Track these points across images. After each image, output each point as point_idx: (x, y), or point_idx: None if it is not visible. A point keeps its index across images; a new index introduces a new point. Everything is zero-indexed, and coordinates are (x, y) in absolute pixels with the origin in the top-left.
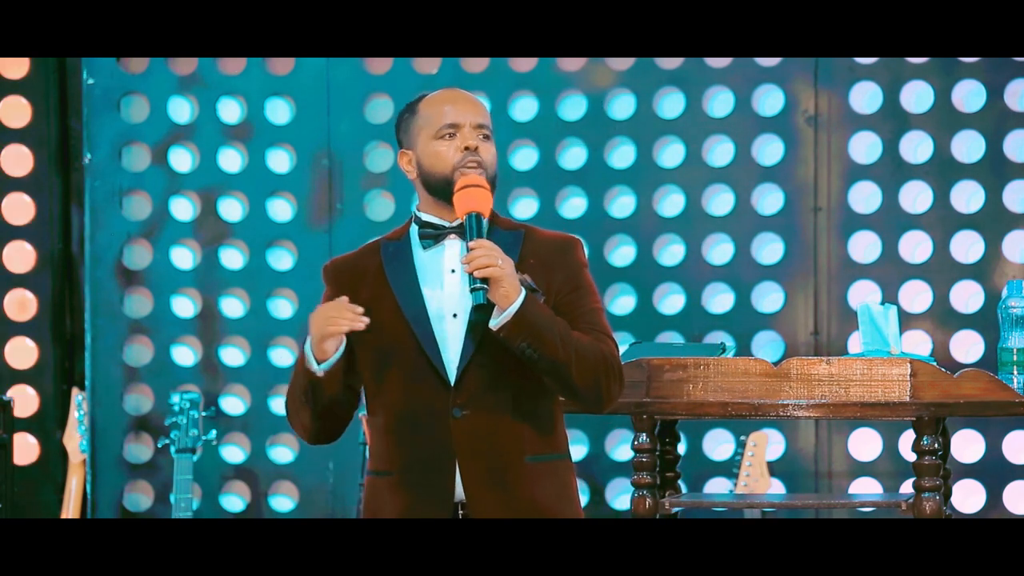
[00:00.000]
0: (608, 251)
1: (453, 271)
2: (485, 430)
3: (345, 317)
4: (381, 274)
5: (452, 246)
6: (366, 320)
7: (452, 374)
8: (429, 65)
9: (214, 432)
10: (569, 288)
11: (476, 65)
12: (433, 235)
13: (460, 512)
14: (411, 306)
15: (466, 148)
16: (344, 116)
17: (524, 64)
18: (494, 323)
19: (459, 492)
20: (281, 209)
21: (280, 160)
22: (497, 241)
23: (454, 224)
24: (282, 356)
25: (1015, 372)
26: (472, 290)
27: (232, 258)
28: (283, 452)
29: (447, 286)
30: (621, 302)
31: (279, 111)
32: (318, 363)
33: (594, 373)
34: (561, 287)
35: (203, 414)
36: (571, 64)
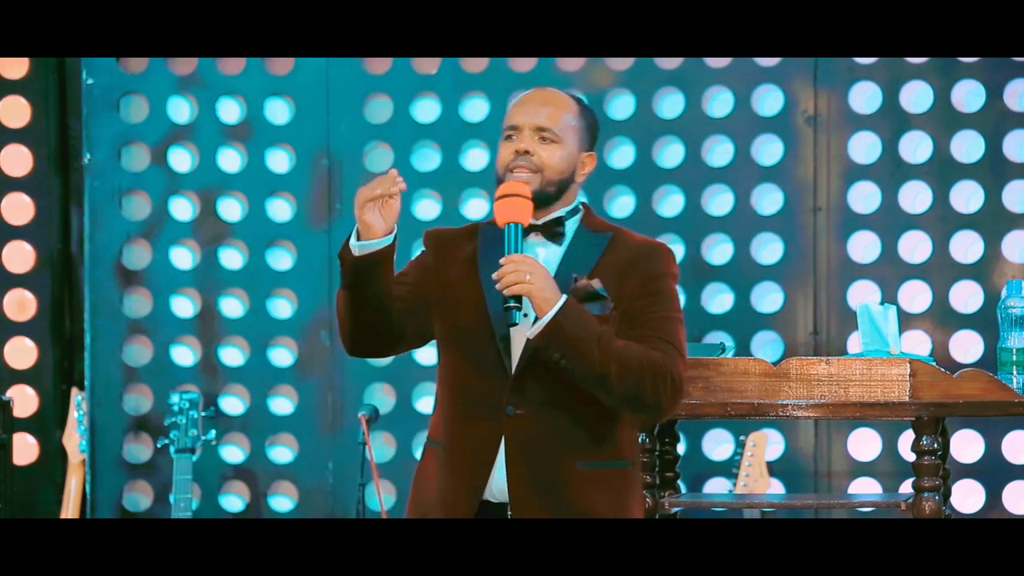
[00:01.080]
0: None
1: None
2: (536, 433)
3: (382, 183)
4: (474, 257)
5: (534, 245)
6: (402, 186)
7: (513, 372)
8: (429, 65)
9: (213, 432)
10: (641, 294)
11: (476, 65)
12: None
13: (508, 513)
14: (493, 296)
15: (516, 151)
16: (343, 116)
17: (524, 64)
18: (529, 333)
19: (493, 490)
20: (280, 209)
21: (279, 160)
22: (582, 243)
23: (538, 223)
24: (282, 356)
25: (1014, 372)
26: (505, 309)
27: (231, 258)
28: (282, 452)
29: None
30: None
31: (278, 111)
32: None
33: (637, 382)
34: (632, 293)
35: (202, 414)
36: (570, 64)
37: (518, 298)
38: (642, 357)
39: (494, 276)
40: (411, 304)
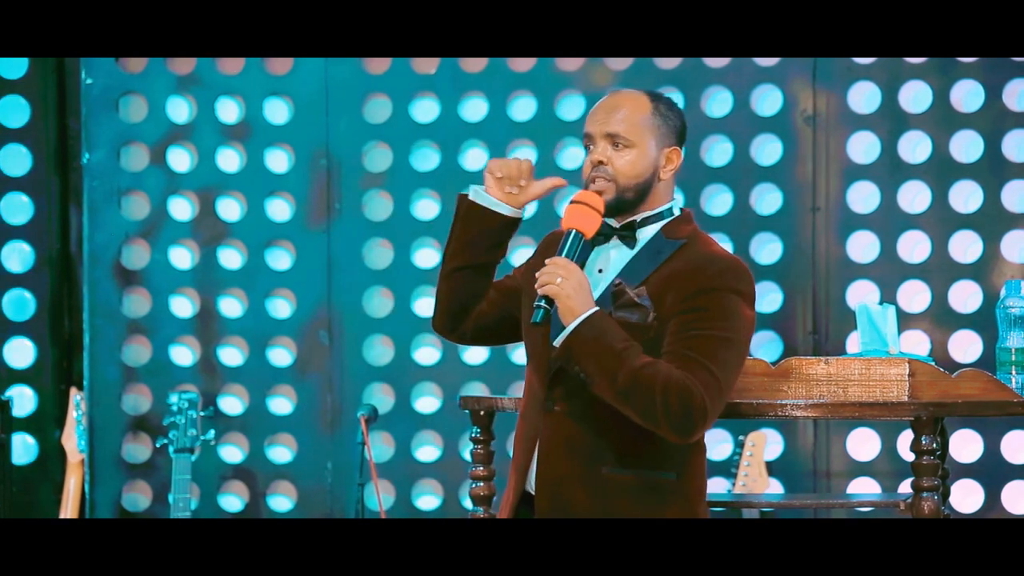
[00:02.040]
0: None
1: (600, 271)
2: (569, 430)
3: (507, 164)
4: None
5: (609, 248)
6: (564, 182)
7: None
8: (428, 65)
9: (212, 432)
10: (684, 308)
11: (475, 65)
12: (602, 233)
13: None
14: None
15: (591, 162)
16: (343, 116)
17: (523, 64)
18: (556, 341)
19: (533, 483)
20: (280, 209)
21: (279, 160)
22: (652, 250)
23: (616, 227)
24: (281, 356)
25: (1013, 372)
26: (534, 307)
27: (230, 258)
28: (282, 452)
29: (593, 284)
30: None
31: (277, 111)
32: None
33: (650, 402)
34: (673, 305)
35: (201, 414)
36: (570, 64)
37: (550, 300)
38: (663, 376)
39: (536, 275)
40: (505, 297)
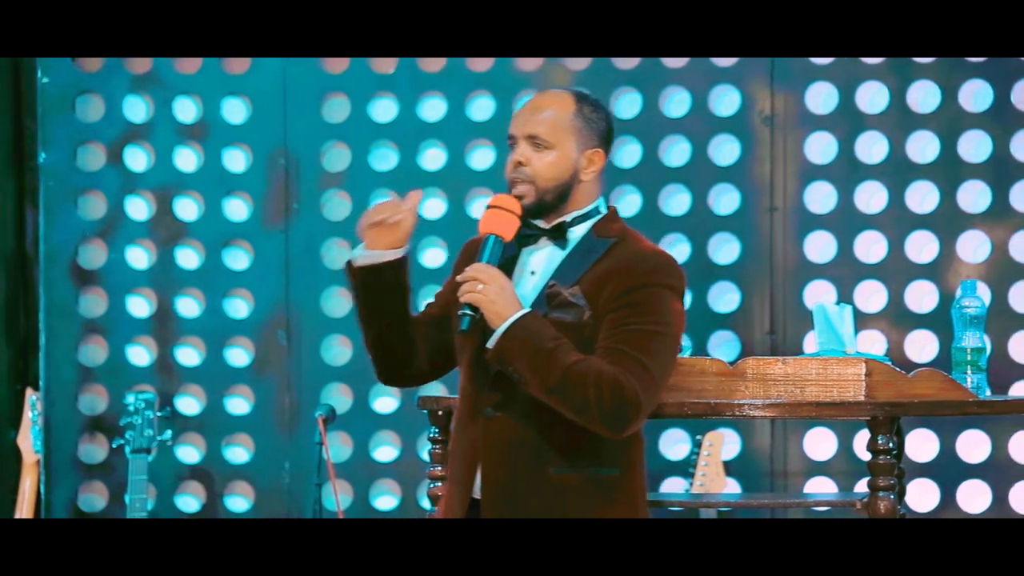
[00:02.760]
0: None
1: (533, 273)
2: (510, 435)
3: (384, 210)
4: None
5: (540, 249)
6: (407, 210)
7: (491, 376)
8: (386, 65)
9: (169, 432)
10: (618, 304)
11: (433, 65)
12: (525, 236)
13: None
14: None
15: (511, 163)
16: (301, 115)
17: (481, 64)
18: (488, 345)
19: (478, 490)
20: (237, 208)
21: (236, 159)
22: (584, 249)
23: (546, 228)
24: (238, 356)
25: (969, 372)
26: (459, 315)
27: (188, 257)
28: (239, 452)
29: (521, 287)
30: None
31: (235, 110)
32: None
33: (583, 398)
34: (608, 300)
35: (158, 414)
36: (529, 64)
37: (475, 307)
38: (594, 372)
39: (458, 279)
40: (436, 328)
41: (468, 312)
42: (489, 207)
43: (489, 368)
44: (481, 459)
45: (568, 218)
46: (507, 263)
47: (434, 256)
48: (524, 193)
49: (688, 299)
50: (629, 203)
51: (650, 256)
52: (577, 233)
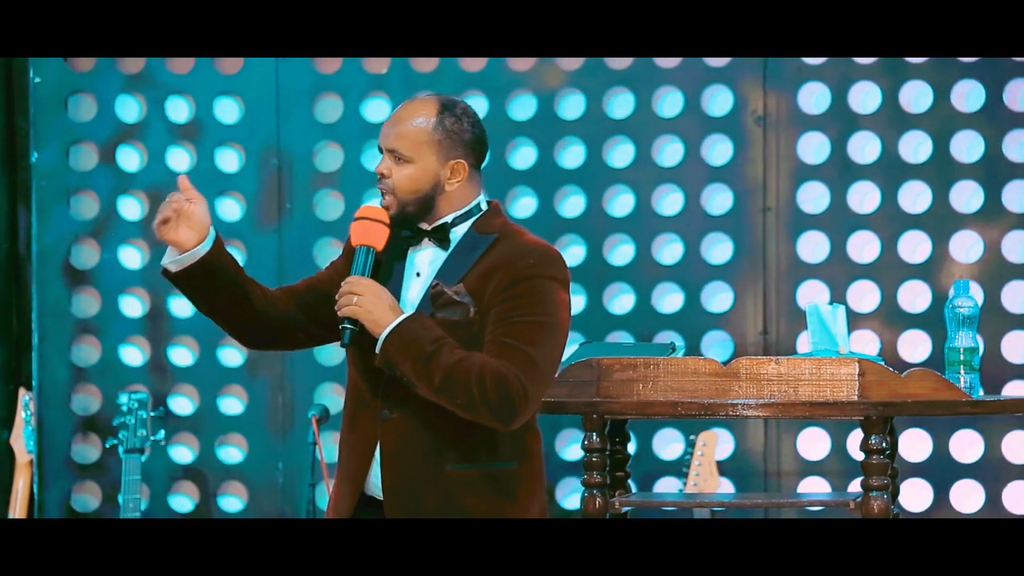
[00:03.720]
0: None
1: (418, 275)
2: (408, 435)
3: (163, 208)
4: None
5: (423, 250)
6: (186, 197)
7: (385, 378)
8: (379, 64)
9: (162, 432)
10: (502, 298)
11: (426, 65)
12: (408, 238)
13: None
14: None
15: (377, 174)
16: (293, 115)
17: (474, 64)
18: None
19: (372, 487)
20: (230, 208)
21: (229, 159)
22: (466, 247)
23: (427, 229)
24: (231, 356)
25: (962, 371)
26: (340, 329)
27: None
28: (232, 452)
29: (408, 289)
30: (572, 301)
31: (228, 110)
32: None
33: (468, 395)
34: (492, 296)
35: (151, 414)
36: (521, 64)
37: (355, 319)
38: (477, 367)
39: (336, 296)
40: (308, 297)
41: (348, 326)
42: (356, 218)
43: (380, 375)
44: (381, 460)
45: (448, 219)
46: (387, 269)
47: None
48: (388, 204)
49: (681, 299)
50: (622, 203)
51: (532, 249)
52: (459, 232)
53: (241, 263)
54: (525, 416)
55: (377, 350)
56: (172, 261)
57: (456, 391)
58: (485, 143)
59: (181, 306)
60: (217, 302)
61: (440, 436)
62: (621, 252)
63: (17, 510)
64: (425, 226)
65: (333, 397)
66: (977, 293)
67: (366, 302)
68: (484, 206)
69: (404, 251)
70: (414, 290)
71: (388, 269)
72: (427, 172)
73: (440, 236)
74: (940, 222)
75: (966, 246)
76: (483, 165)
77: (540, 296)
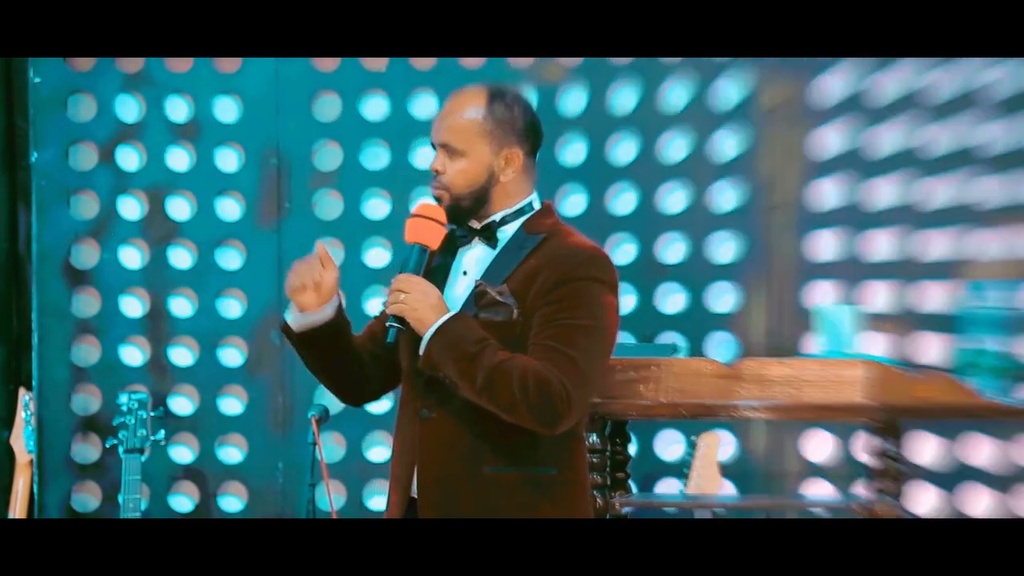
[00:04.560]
0: None
1: (465, 273)
2: (446, 435)
3: (303, 274)
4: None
5: (472, 249)
6: (324, 271)
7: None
8: (378, 63)
9: (162, 432)
10: (547, 300)
11: (425, 63)
12: (459, 237)
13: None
14: None
15: (432, 170)
16: (293, 114)
17: (473, 61)
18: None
19: (414, 492)
20: (230, 208)
21: (228, 159)
22: (514, 247)
23: (476, 228)
24: (231, 356)
25: (973, 374)
26: (387, 327)
27: (181, 257)
28: (232, 452)
29: (454, 288)
30: None
31: (227, 110)
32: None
33: (508, 397)
34: (537, 297)
35: (151, 414)
36: (521, 60)
37: (401, 318)
38: (520, 370)
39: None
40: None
41: (393, 324)
42: (412, 216)
43: (422, 374)
44: (419, 459)
45: (497, 217)
46: (439, 268)
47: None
48: (441, 199)
49: (686, 298)
50: (625, 201)
51: (579, 251)
52: (508, 231)
53: (241, 263)
54: (569, 421)
55: (420, 350)
56: (296, 322)
57: (499, 393)
58: (539, 130)
59: (181, 306)
60: (330, 363)
61: (479, 437)
62: (624, 251)
63: (17, 510)
64: (475, 224)
65: (333, 398)
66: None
67: (412, 300)
68: (536, 205)
69: (454, 249)
70: (460, 289)
71: (437, 267)
72: (481, 164)
73: (488, 235)
74: (958, 221)
75: (983, 246)
76: (538, 154)
77: (586, 299)
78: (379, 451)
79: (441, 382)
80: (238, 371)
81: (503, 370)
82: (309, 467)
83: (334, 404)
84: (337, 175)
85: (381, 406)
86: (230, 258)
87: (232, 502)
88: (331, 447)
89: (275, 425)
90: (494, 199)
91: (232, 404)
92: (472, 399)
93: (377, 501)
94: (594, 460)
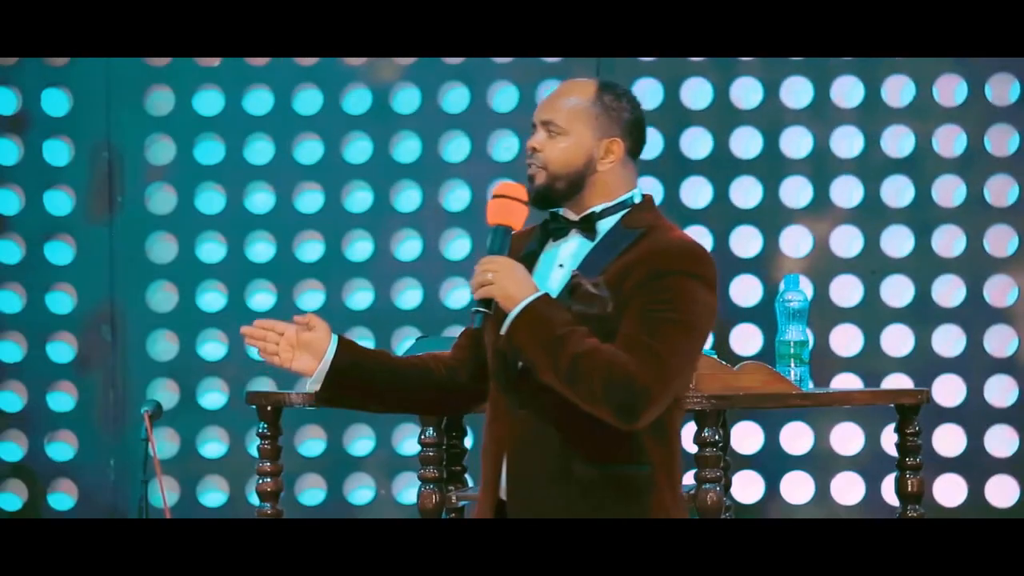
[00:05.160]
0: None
1: (561, 266)
2: (537, 432)
3: (276, 352)
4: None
5: (569, 241)
6: (298, 330)
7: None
8: (210, 57)
9: None
10: (640, 292)
11: (259, 59)
12: (555, 229)
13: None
14: None
15: (527, 149)
16: (124, 108)
17: (308, 60)
18: (502, 332)
19: (502, 493)
20: (59, 202)
21: (58, 152)
22: (612, 240)
23: (575, 220)
24: (61, 351)
25: (792, 364)
26: (472, 312)
27: (8, 251)
28: (62, 449)
29: (552, 281)
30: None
31: (56, 102)
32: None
33: (587, 386)
34: (630, 290)
35: None
36: (353, 59)
37: (487, 302)
38: (605, 360)
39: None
40: (477, 340)
41: (479, 308)
42: (495, 196)
43: (513, 366)
44: (507, 458)
45: (597, 209)
46: (530, 258)
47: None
48: (536, 177)
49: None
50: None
51: (675, 244)
52: (606, 225)
53: (71, 258)
54: (648, 417)
55: (503, 328)
56: (314, 383)
57: (579, 381)
58: (644, 129)
59: (9, 301)
60: (378, 394)
61: (570, 433)
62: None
63: None
64: (573, 216)
65: (166, 393)
66: (807, 287)
67: (500, 277)
68: (637, 199)
69: (544, 240)
70: (555, 282)
71: (531, 258)
72: (581, 147)
73: (587, 228)
74: (770, 217)
75: (797, 241)
76: (639, 155)
77: (680, 293)
78: (213, 447)
79: (531, 377)
80: (68, 366)
81: (587, 358)
82: (142, 463)
83: (167, 399)
84: (170, 169)
85: (216, 400)
86: (60, 252)
87: (62, 499)
88: (164, 443)
89: (106, 421)
90: (590, 189)
91: (62, 400)
92: (552, 384)
93: (212, 497)
94: (430, 454)
